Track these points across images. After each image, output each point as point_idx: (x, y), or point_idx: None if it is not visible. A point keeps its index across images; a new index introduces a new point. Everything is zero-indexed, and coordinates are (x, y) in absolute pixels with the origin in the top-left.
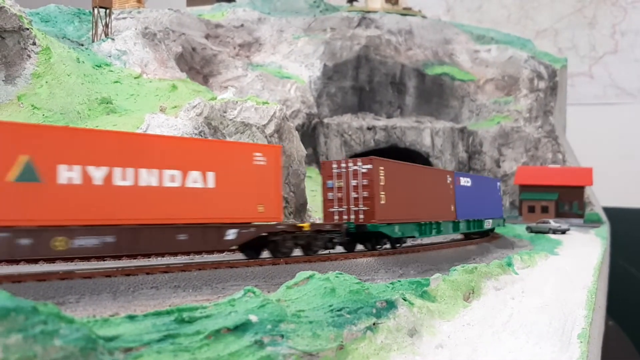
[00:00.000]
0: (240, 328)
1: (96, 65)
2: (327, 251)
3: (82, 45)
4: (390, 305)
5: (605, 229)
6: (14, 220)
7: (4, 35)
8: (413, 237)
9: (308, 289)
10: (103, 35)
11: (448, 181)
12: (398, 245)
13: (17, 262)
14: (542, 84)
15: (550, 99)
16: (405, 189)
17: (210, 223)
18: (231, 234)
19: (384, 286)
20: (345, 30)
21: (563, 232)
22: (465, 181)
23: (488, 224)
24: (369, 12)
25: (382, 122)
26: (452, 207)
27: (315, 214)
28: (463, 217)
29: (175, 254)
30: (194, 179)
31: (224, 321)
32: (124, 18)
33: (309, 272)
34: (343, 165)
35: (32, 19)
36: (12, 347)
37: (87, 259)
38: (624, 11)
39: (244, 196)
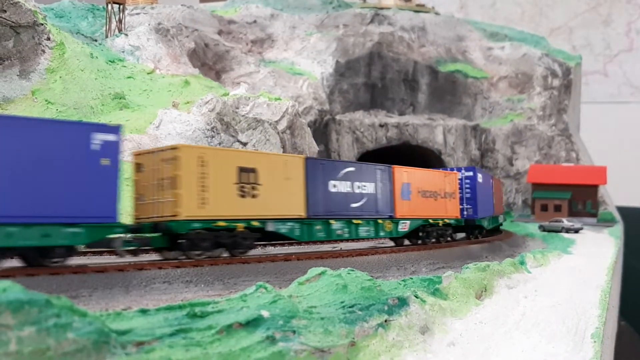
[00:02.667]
0: (252, 323)
1: (109, 61)
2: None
3: (96, 40)
4: (402, 302)
5: (619, 228)
6: None
7: (19, 30)
8: None
9: (320, 285)
10: (116, 30)
11: None
12: None
13: None
14: (556, 82)
15: (564, 97)
16: None
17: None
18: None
19: (396, 283)
20: (358, 27)
21: (576, 231)
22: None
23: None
24: (382, 8)
25: (394, 119)
26: None
27: None
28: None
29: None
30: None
31: (236, 316)
32: (137, 14)
33: (321, 269)
34: None
35: (46, 15)
36: (25, 340)
37: (100, 253)
38: (639, 9)
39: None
